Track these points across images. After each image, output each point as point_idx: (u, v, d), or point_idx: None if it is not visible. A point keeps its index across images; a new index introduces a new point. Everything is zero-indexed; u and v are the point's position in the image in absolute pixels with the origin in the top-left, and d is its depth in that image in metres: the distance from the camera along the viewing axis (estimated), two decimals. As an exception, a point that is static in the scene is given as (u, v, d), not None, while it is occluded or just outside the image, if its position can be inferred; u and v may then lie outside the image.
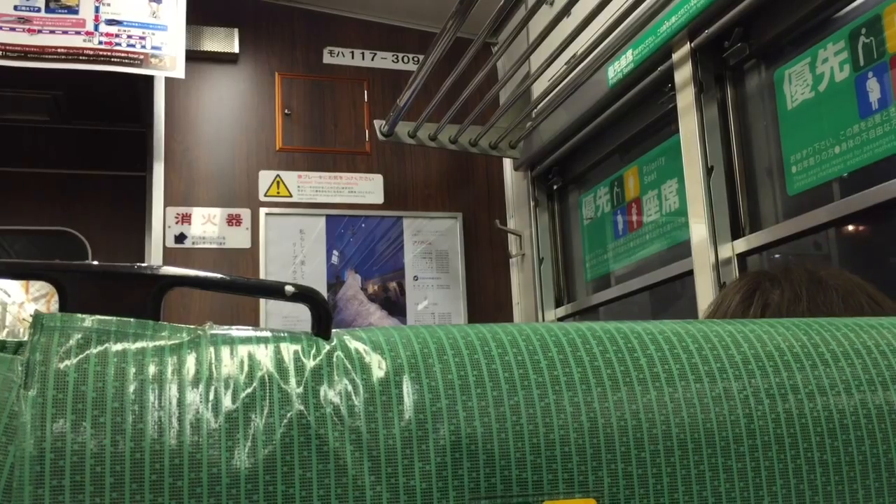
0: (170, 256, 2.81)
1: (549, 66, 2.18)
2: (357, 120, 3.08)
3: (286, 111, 3.02)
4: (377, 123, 2.81)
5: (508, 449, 0.37)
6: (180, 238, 2.85)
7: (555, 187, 2.95)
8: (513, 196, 3.13)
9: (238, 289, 0.41)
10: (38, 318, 0.36)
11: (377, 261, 3.03)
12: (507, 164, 3.13)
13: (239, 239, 2.90)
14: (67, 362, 0.35)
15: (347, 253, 3.00)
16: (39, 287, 3.99)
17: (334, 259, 2.99)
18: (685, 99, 2.02)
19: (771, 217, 1.87)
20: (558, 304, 2.88)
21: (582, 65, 2.19)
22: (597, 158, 2.66)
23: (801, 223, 1.69)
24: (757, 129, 1.94)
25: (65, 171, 3.84)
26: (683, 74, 2.01)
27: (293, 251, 2.95)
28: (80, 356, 0.35)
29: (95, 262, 0.39)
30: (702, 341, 0.42)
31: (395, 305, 3.01)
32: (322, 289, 2.92)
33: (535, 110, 2.63)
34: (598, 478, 0.37)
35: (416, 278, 3.04)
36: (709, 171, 1.94)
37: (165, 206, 2.85)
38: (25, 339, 0.36)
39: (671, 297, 2.30)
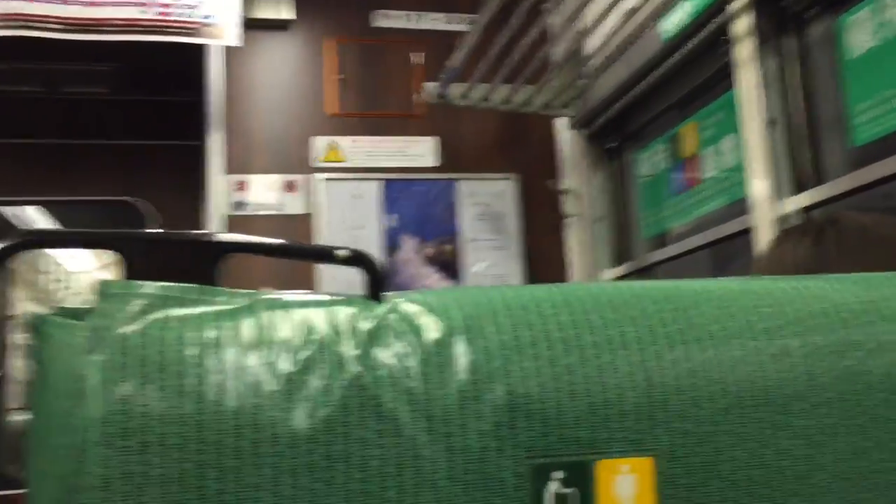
0: (230, 224, 2.86)
1: (602, 21, 2.13)
2: (409, 83, 3.07)
3: (339, 76, 3.03)
4: (429, 86, 2.80)
5: (564, 408, 0.37)
6: (239, 205, 2.90)
7: (610, 146, 2.90)
8: (568, 156, 3.09)
9: (291, 254, 0.41)
10: (102, 285, 0.37)
11: (432, 224, 3.03)
12: (562, 123, 3.09)
13: (296, 205, 2.94)
14: (130, 327, 0.36)
15: (403, 217, 3.01)
16: (108, 254, 4.11)
17: (390, 223, 3.00)
18: (743, 51, 1.95)
19: (835, 170, 1.81)
20: (615, 263, 2.85)
21: (636, 18, 2.14)
22: (652, 115, 2.61)
23: (867, 175, 1.63)
24: (819, 79, 1.87)
25: (125, 141, 3.93)
26: (741, 25, 1.95)
27: (349, 216, 2.97)
28: (142, 321, 0.36)
29: (156, 230, 0.40)
30: (759, 298, 0.41)
31: (450, 268, 3.02)
32: (378, 253, 2.94)
33: (589, 68, 2.58)
34: (654, 437, 0.37)
35: (471, 240, 3.04)
36: (769, 123, 1.89)
37: (224, 173, 2.90)
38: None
39: (730, 255, 2.25)
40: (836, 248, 0.74)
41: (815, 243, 0.75)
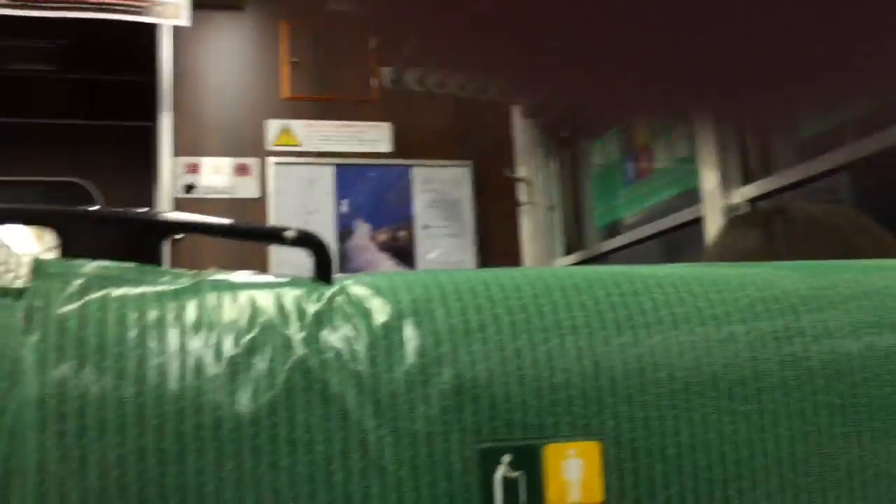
0: (179, 207, 2.81)
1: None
2: (364, 67, 3.05)
3: (294, 59, 2.99)
4: (385, 70, 2.78)
5: (511, 393, 0.37)
6: (189, 188, 2.85)
7: (565, 135, 2.92)
8: (522, 144, 3.10)
9: (238, 234, 0.40)
10: (37, 263, 0.36)
11: (386, 210, 3.02)
12: (517, 111, 3.10)
13: (248, 189, 2.90)
14: (68, 308, 0.35)
15: (356, 202, 3.00)
16: (52, 241, 4.01)
17: (343, 208, 2.98)
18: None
19: (784, 161, 1.85)
20: (568, 251, 2.88)
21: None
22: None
23: (815, 167, 1.67)
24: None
25: (72, 121, 3.83)
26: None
27: (302, 201, 2.94)
28: (81, 302, 0.35)
29: (95, 208, 0.39)
30: (707, 284, 0.42)
31: (405, 255, 3.01)
32: (331, 238, 2.92)
33: (545, 56, 2.58)
34: (601, 421, 0.37)
35: (425, 227, 3.04)
36: (721, 116, 1.92)
37: (174, 155, 2.85)
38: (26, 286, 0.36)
39: (681, 245, 2.29)
40: (784, 237, 0.75)
41: (764, 232, 0.77)
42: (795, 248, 0.74)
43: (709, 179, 1.94)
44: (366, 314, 0.37)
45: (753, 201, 1.85)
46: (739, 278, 0.43)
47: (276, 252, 2.83)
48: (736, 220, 0.84)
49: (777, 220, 0.77)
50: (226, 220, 0.39)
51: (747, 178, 1.90)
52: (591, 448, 0.37)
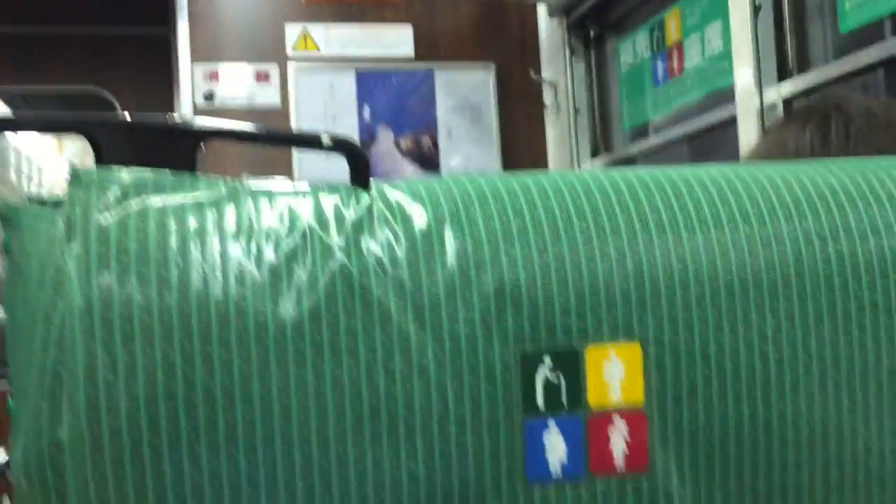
0: (200, 115, 2.80)
1: None
2: (384, -33, 2.96)
3: (310, -40, 2.91)
4: (405, -30, 2.70)
5: (552, 295, 0.37)
6: (209, 96, 2.83)
7: (591, 34, 2.84)
8: (548, 45, 3.02)
9: (274, 140, 0.40)
10: (75, 172, 0.35)
11: (409, 116, 2.99)
12: (542, 10, 3.01)
13: (269, 96, 2.87)
14: (107, 216, 0.35)
15: (379, 108, 2.96)
16: (73, 149, 4.03)
17: (366, 115, 2.95)
18: (732, -68, 1.89)
19: (821, 58, 1.79)
20: (594, 154, 2.84)
21: None
22: (636, 2, 2.54)
23: (852, 62, 1.61)
24: (808, -37, 1.82)
25: (88, 28, 3.78)
26: None
27: (324, 108, 2.91)
28: (120, 210, 0.35)
29: (128, 115, 0.38)
30: (751, 184, 0.41)
31: (428, 161, 2.99)
32: (355, 145, 2.90)
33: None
34: (642, 322, 0.37)
35: (449, 132, 3.00)
36: (756, 9, 1.85)
37: (192, 62, 2.81)
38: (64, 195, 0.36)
39: (712, 147, 2.25)
40: (843, 135, 0.73)
41: (820, 130, 0.74)
42: (853, 147, 0.72)
43: (742, 76, 1.89)
44: (405, 219, 0.37)
45: (789, 100, 1.80)
46: (784, 176, 0.42)
47: (299, 166, 2.82)
48: (790, 117, 0.81)
49: (834, 116, 0.74)
50: (262, 127, 0.38)
51: (782, 75, 1.84)
52: (632, 349, 0.37)
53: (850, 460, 0.39)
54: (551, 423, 0.36)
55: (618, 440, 0.37)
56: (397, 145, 2.98)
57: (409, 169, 2.98)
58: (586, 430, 0.37)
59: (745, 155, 0.86)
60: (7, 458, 0.36)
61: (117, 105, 3.80)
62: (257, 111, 2.85)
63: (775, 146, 0.77)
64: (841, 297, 0.39)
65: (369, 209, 0.37)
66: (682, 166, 0.43)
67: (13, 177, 3.94)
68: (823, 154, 0.72)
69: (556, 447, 0.36)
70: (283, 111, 2.86)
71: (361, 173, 0.38)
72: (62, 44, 3.77)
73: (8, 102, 3.76)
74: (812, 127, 0.74)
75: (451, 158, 3.01)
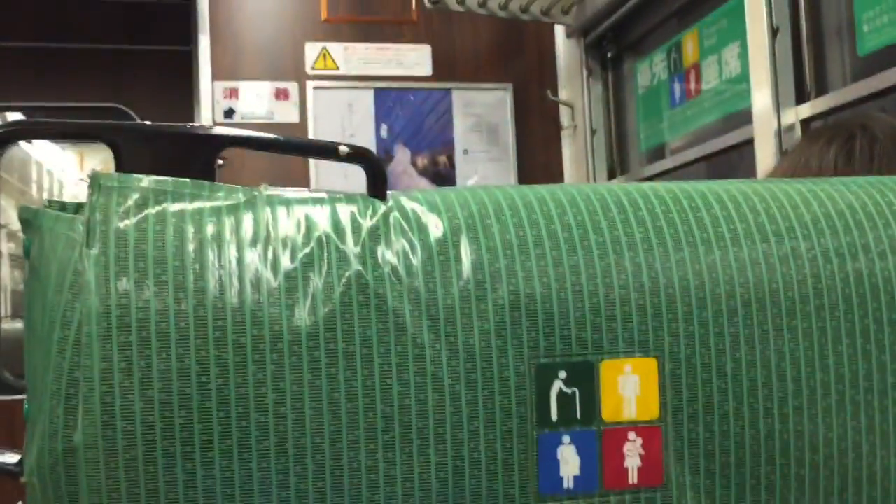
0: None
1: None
2: (403, -13, 2.98)
3: (330, -21, 2.93)
4: (424, -10, 2.72)
5: (568, 308, 0.36)
6: (229, 113, 2.85)
7: (609, 55, 2.84)
8: (565, 65, 3.03)
9: (293, 149, 0.40)
10: (95, 177, 0.36)
11: (426, 134, 3.00)
12: (560, 31, 3.02)
13: (287, 113, 2.89)
14: (127, 221, 0.35)
15: (396, 127, 2.97)
16: (94, 164, 4.07)
17: (383, 133, 2.96)
18: (751, -45, 1.89)
19: (839, 80, 1.78)
20: (611, 176, 2.84)
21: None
22: (654, 23, 2.54)
23: (871, 85, 1.61)
24: (827, -14, 1.82)
25: (111, 45, 3.83)
26: (750, -72, 1.88)
27: (342, 126, 2.93)
28: (139, 215, 0.35)
29: (149, 123, 0.39)
30: (769, 200, 0.41)
31: (445, 179, 3.00)
32: (372, 163, 2.91)
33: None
34: (658, 337, 0.37)
35: (465, 152, 3.01)
36: (773, 32, 1.85)
37: (213, 80, 2.84)
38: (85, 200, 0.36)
39: (729, 169, 2.24)
40: (867, 155, 0.72)
41: (844, 149, 0.73)
42: (877, 167, 0.71)
43: (760, 99, 1.88)
44: (421, 229, 0.37)
45: (807, 121, 1.80)
46: (803, 194, 0.41)
47: (316, 180, 2.83)
48: (815, 135, 0.80)
49: (860, 135, 0.73)
50: (280, 136, 0.38)
51: (800, 98, 1.83)
52: (648, 364, 0.37)
53: (867, 478, 0.38)
54: (565, 437, 0.36)
55: (632, 455, 0.37)
56: (414, 164, 2.99)
57: (426, 187, 2.99)
58: (600, 443, 0.36)
59: (768, 171, 0.85)
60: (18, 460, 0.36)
61: (137, 120, 3.83)
62: (276, 128, 2.86)
63: (799, 164, 0.76)
64: (858, 315, 0.39)
65: (386, 218, 0.37)
66: (699, 181, 0.43)
67: (34, 191, 3.98)
68: (847, 173, 0.71)
69: (569, 460, 0.36)
70: (301, 128, 2.88)
71: (378, 183, 0.39)
72: (84, 60, 3.81)
73: (29, 116, 3.80)
74: (836, 146, 0.74)
75: (468, 178, 3.01)
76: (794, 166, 0.77)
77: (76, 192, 4.19)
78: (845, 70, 1.78)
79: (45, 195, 4.05)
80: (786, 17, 1.85)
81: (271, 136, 0.39)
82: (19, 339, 0.38)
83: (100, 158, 3.94)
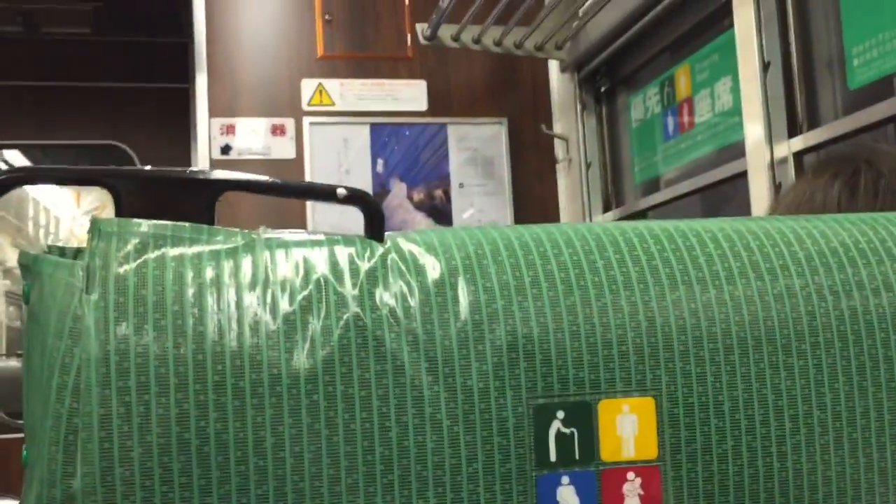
0: (216, 168, 2.83)
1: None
2: (398, 24, 3.02)
3: (326, 17, 2.97)
4: (419, 27, 2.75)
5: (565, 348, 0.37)
6: (226, 149, 2.87)
7: (602, 89, 2.87)
8: (559, 99, 3.06)
9: (290, 192, 0.40)
10: (95, 223, 0.36)
11: (422, 169, 3.01)
12: (553, 66, 3.05)
13: (284, 149, 2.91)
14: (126, 267, 0.35)
15: (392, 161, 2.99)
16: (91, 201, 4.09)
17: (379, 168, 2.98)
18: (741, -9, 1.92)
19: (830, 113, 1.80)
20: (606, 209, 2.85)
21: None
22: (646, 58, 2.57)
23: (862, 118, 1.62)
24: (816, 20, 1.85)
25: (108, 84, 3.86)
26: (739, -35, 1.92)
27: (338, 161, 2.94)
28: (139, 260, 0.35)
29: (148, 167, 0.39)
30: (763, 238, 0.41)
31: (441, 213, 3.01)
32: (368, 197, 2.92)
33: (582, 9, 2.54)
34: (655, 376, 0.37)
35: (461, 185, 3.02)
36: (765, 66, 1.87)
37: (210, 117, 2.86)
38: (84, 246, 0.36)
39: (723, 200, 2.25)
40: (871, 191, 0.71)
41: (849, 185, 0.72)
42: (881, 204, 0.70)
43: (752, 132, 1.90)
44: (419, 271, 0.37)
45: (799, 154, 1.81)
46: (797, 231, 0.42)
47: (312, 217, 2.84)
48: (820, 168, 0.78)
49: (864, 171, 0.73)
50: (278, 179, 0.39)
51: (792, 131, 1.85)
52: (646, 404, 0.37)
53: None
54: (564, 478, 0.36)
55: (631, 495, 0.37)
56: (410, 198, 3.00)
57: (422, 221, 3.00)
58: (599, 484, 0.36)
59: (771, 204, 0.85)
60: (18, 507, 0.36)
61: (136, 158, 3.85)
62: (272, 164, 2.88)
63: (803, 199, 0.76)
64: (854, 352, 0.39)
65: (383, 260, 0.38)
66: (694, 220, 0.43)
67: (31, 228, 3.98)
68: (850, 209, 0.71)
69: (568, 501, 0.36)
70: (297, 164, 2.90)
71: (376, 225, 0.39)
72: (83, 98, 3.84)
73: (28, 155, 3.82)
74: (841, 182, 0.73)
75: (464, 211, 3.02)
76: (800, 199, 0.76)
77: (73, 227, 4.19)
78: (836, 103, 1.80)
79: (42, 232, 4.05)
80: (777, 52, 1.88)
81: (270, 179, 0.39)
82: (12, 378, 0.38)
83: (96, 195, 3.96)
